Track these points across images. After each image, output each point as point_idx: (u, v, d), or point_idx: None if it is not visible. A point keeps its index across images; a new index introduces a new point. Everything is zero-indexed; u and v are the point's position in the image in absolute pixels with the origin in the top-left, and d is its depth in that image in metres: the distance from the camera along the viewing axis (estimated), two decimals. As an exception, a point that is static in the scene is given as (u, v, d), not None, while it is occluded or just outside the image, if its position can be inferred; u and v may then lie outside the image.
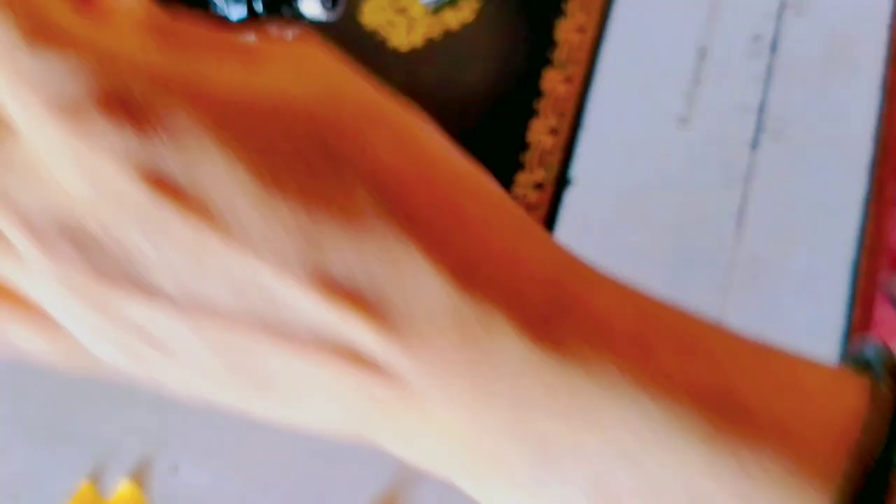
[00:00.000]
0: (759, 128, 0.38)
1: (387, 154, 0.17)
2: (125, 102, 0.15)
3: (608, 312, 0.16)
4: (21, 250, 0.17)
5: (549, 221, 0.40)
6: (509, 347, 0.15)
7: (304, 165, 0.16)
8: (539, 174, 0.42)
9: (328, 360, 0.16)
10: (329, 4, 0.29)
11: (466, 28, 0.47)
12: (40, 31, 0.15)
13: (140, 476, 0.44)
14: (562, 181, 0.41)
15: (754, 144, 0.38)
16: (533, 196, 0.41)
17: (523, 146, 0.42)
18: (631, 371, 0.15)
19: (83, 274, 0.16)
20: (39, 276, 0.17)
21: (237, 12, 0.27)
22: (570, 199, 0.41)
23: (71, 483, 0.46)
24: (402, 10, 0.49)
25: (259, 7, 0.27)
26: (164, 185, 0.15)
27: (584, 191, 0.41)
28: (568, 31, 0.44)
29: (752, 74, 0.39)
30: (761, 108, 0.39)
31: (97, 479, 0.45)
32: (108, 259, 0.16)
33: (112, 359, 0.18)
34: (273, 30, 0.18)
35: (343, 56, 0.18)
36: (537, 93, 0.43)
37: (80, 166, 0.15)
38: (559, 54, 0.44)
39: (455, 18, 0.47)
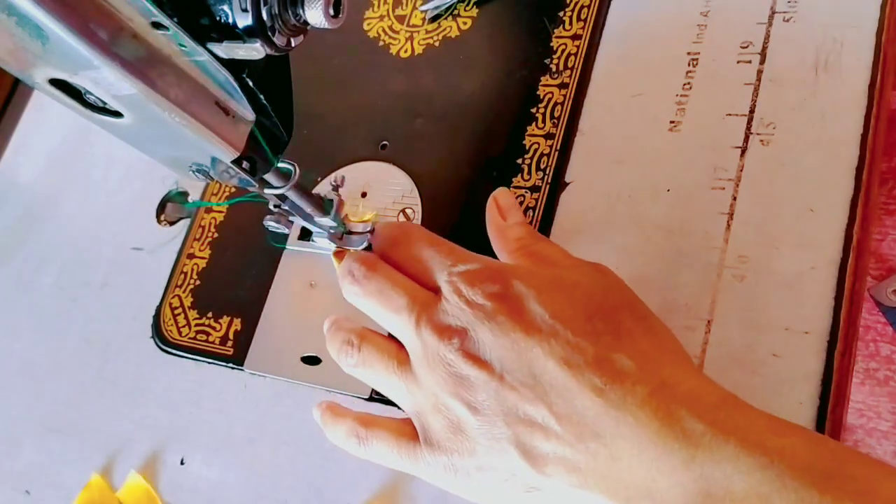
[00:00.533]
0: (748, 132, 0.39)
1: (637, 333, 0.31)
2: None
3: (751, 410, 0.28)
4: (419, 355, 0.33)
5: (546, 223, 0.41)
6: (690, 424, 0.27)
7: (579, 327, 0.30)
8: (535, 177, 0.43)
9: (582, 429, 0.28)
10: (333, 13, 0.30)
11: (465, 36, 0.48)
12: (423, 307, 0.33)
13: (149, 469, 0.45)
14: (557, 184, 0.42)
15: (743, 148, 0.39)
16: (530, 198, 0.42)
17: (520, 150, 0.43)
18: (763, 441, 0.26)
19: (460, 364, 0.31)
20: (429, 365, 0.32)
21: (244, 21, 0.28)
22: (566, 201, 0.42)
23: (82, 475, 0.46)
24: (402, 19, 0.50)
25: (266, 16, 0.28)
26: (500, 306, 0.31)
27: (578, 193, 0.41)
28: (563, 39, 0.45)
29: (741, 80, 0.40)
30: (750, 113, 0.39)
31: (107, 471, 0.46)
32: (474, 345, 0.31)
33: (437, 436, 0.32)
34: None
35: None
36: (534, 98, 0.44)
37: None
38: (555, 61, 0.45)
39: (454, 26, 0.48)
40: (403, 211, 0.44)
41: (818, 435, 0.28)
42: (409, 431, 0.34)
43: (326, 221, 0.41)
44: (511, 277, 0.32)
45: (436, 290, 0.33)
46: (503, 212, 0.39)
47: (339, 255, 0.45)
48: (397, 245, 0.36)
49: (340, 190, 0.43)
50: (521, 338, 0.30)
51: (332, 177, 0.44)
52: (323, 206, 0.40)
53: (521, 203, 0.42)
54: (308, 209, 0.40)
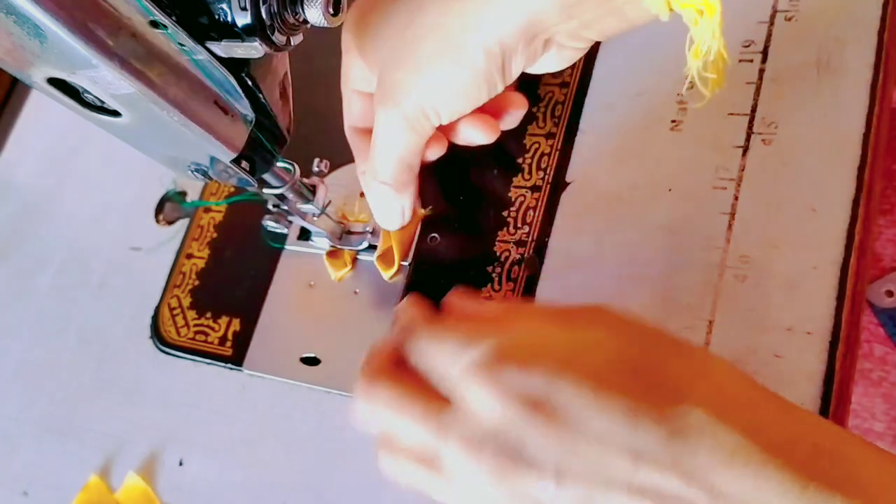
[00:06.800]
0: (750, 131, 0.39)
1: (696, 382, 0.27)
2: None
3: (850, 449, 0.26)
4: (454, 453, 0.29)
5: (546, 223, 0.41)
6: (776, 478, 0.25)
7: (632, 393, 0.26)
8: (536, 177, 0.42)
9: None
10: (332, 11, 0.30)
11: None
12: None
13: (147, 470, 0.45)
14: (558, 183, 0.42)
15: (745, 147, 0.39)
16: (530, 198, 0.42)
17: (521, 150, 0.43)
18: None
19: (498, 460, 0.27)
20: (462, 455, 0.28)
21: (243, 20, 0.28)
22: (566, 201, 0.41)
23: (80, 477, 0.46)
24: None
25: (265, 15, 0.28)
26: (539, 406, 0.27)
27: (579, 193, 0.41)
28: (564, 38, 0.45)
29: (742, 79, 0.40)
30: (752, 112, 0.39)
31: (106, 472, 0.46)
32: (515, 450, 0.27)
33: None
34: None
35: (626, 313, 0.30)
36: (535, 98, 0.44)
37: (496, 401, 0.28)
38: (556, 60, 0.44)
39: (454, 25, 0.48)
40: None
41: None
42: None
43: (310, 208, 0.41)
44: (536, 364, 0.28)
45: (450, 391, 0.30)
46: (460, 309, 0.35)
47: (333, 255, 0.45)
48: (406, 343, 0.33)
49: (327, 180, 0.43)
50: (582, 447, 0.26)
51: (315, 162, 0.43)
52: (303, 192, 0.40)
53: (521, 203, 0.42)
54: (293, 197, 0.40)
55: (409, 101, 0.34)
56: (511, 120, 0.38)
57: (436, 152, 0.38)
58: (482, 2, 0.31)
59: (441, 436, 0.29)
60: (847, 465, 0.25)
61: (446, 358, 0.30)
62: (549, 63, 0.35)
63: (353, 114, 0.40)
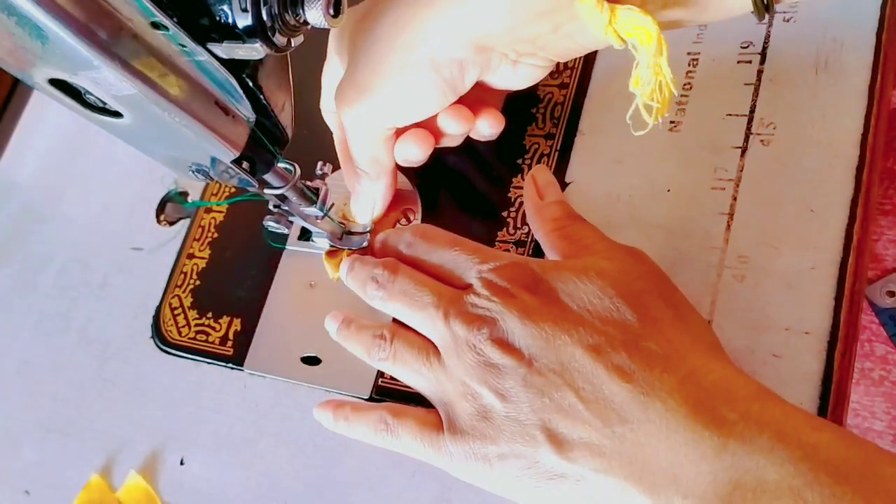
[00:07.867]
0: (748, 132, 0.39)
1: (665, 320, 0.32)
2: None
3: (785, 404, 0.29)
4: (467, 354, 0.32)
5: (546, 223, 0.41)
6: (722, 413, 0.28)
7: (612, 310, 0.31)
8: (536, 177, 0.42)
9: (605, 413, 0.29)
10: (332, 13, 0.30)
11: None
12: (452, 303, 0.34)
13: (148, 469, 0.45)
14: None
15: (743, 148, 0.39)
16: (530, 198, 0.42)
17: (521, 150, 0.43)
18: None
19: (490, 351, 0.32)
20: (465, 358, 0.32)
21: (243, 21, 0.28)
22: (566, 201, 0.41)
23: (82, 476, 0.46)
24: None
25: (265, 16, 0.28)
26: (537, 291, 0.33)
27: (579, 193, 0.41)
28: (564, 39, 0.45)
29: (741, 80, 0.40)
30: (750, 113, 0.39)
31: (107, 471, 0.46)
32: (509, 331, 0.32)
33: (463, 423, 0.32)
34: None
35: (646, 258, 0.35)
36: (534, 99, 0.44)
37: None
38: (555, 61, 0.45)
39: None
40: (404, 213, 0.44)
41: (852, 433, 0.28)
42: (433, 421, 0.34)
43: (312, 210, 0.41)
44: (538, 270, 0.33)
45: (462, 288, 0.34)
46: (541, 190, 0.39)
47: (331, 255, 0.45)
48: (414, 247, 0.37)
49: (328, 181, 0.43)
50: (549, 326, 0.31)
51: (318, 165, 0.43)
52: (306, 195, 0.40)
53: (521, 203, 0.42)
54: (294, 198, 0.40)
55: (360, 102, 0.36)
56: (483, 126, 0.40)
57: (418, 152, 0.39)
58: (430, 17, 0.33)
59: (446, 314, 0.33)
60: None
61: (467, 259, 0.35)
62: (510, 79, 0.36)
63: (337, 133, 0.44)
